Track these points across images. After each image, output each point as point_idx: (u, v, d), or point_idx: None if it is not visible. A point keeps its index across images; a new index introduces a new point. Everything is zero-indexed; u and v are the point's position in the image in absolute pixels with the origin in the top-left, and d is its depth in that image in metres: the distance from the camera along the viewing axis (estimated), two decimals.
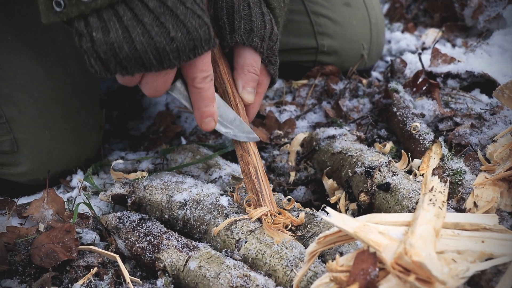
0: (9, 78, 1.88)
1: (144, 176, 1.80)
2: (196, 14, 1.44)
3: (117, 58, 1.39)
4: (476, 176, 1.62)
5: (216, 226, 1.56)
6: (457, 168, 1.66)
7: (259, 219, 1.55)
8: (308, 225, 1.54)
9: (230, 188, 1.77)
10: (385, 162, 1.69)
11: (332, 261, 1.17)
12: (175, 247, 1.51)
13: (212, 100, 1.60)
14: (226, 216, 1.57)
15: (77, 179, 2.02)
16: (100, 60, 1.40)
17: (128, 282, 1.49)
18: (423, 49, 2.94)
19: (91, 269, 1.54)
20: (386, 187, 1.62)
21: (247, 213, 1.57)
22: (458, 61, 2.43)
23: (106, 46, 1.38)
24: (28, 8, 1.91)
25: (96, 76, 1.47)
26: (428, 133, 1.85)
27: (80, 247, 1.61)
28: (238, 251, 1.49)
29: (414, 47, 2.99)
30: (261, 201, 1.60)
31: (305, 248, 1.43)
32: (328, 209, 1.20)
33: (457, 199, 1.58)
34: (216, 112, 1.62)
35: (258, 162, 1.65)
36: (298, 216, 1.58)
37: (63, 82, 1.95)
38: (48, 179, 1.90)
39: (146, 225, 1.61)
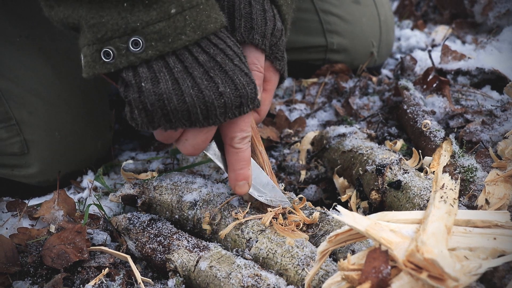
0: (19, 80, 1.88)
1: (154, 177, 1.80)
2: (243, 71, 1.45)
3: (164, 110, 1.39)
4: (488, 173, 1.62)
5: (226, 225, 1.56)
6: (468, 165, 1.66)
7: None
8: (320, 224, 1.54)
9: None
10: (396, 160, 1.69)
11: (344, 259, 1.16)
12: (186, 247, 1.51)
13: (249, 162, 1.57)
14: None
15: (87, 180, 2.02)
16: (145, 112, 1.39)
17: (140, 283, 1.49)
18: (433, 46, 2.93)
19: (103, 270, 1.54)
20: (397, 185, 1.61)
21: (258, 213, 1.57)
22: (468, 57, 2.43)
23: (154, 97, 1.37)
24: (36, 9, 1.91)
25: (137, 129, 1.47)
26: (439, 130, 1.85)
27: (91, 247, 1.61)
28: (249, 251, 1.48)
29: (424, 44, 2.98)
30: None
31: (317, 247, 1.43)
32: (339, 207, 1.20)
33: (468, 196, 1.57)
34: (251, 175, 1.59)
35: (265, 162, 1.64)
36: (310, 215, 1.57)
37: (73, 83, 1.95)
38: (59, 180, 1.90)
39: (156, 226, 1.61)
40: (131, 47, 1.35)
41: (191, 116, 1.40)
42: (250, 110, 1.49)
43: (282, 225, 1.52)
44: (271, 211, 1.56)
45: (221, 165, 1.60)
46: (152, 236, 1.58)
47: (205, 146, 1.53)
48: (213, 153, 1.59)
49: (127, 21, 1.33)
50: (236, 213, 1.56)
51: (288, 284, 1.37)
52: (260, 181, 1.62)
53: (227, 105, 1.42)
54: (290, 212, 1.57)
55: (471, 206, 1.54)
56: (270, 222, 1.53)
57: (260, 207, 1.61)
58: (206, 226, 1.60)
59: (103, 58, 1.37)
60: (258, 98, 1.50)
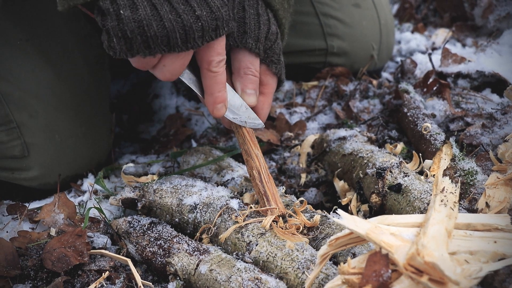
0: (20, 82, 1.88)
1: (154, 180, 1.80)
2: None
3: (144, 37, 1.39)
4: (488, 176, 1.62)
5: (227, 229, 1.56)
6: (468, 169, 1.66)
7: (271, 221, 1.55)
8: (321, 227, 1.54)
9: (243, 189, 1.77)
10: (396, 163, 1.69)
11: (344, 263, 1.16)
12: (186, 250, 1.51)
13: (225, 85, 1.59)
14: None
15: (87, 183, 2.02)
16: (124, 39, 1.39)
17: (140, 286, 1.49)
18: (433, 49, 2.93)
19: (103, 273, 1.54)
20: (397, 188, 1.61)
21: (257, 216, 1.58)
22: (469, 60, 2.43)
23: (134, 23, 1.37)
24: (37, 12, 1.91)
25: (114, 57, 1.46)
26: (439, 134, 1.85)
27: (91, 251, 1.61)
28: (249, 254, 1.49)
29: (424, 47, 2.98)
30: (266, 204, 1.60)
31: (317, 250, 1.43)
32: (339, 211, 1.20)
33: (469, 200, 1.57)
34: (227, 98, 1.61)
35: (261, 165, 1.64)
36: (311, 218, 1.57)
37: (73, 86, 1.95)
38: (59, 183, 1.90)
39: (157, 229, 1.61)
40: None
41: (170, 41, 1.41)
42: (226, 32, 1.50)
43: (282, 229, 1.52)
44: (271, 214, 1.56)
45: (196, 90, 1.61)
46: (152, 240, 1.58)
47: (182, 71, 1.54)
48: (188, 78, 1.60)
49: None
50: (236, 216, 1.56)
51: None
52: (234, 103, 1.65)
53: (204, 28, 1.43)
54: (290, 216, 1.57)
55: (471, 210, 1.54)
56: (270, 225, 1.53)
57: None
58: (206, 241, 1.61)
59: None
60: (232, 21, 1.50)
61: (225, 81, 1.58)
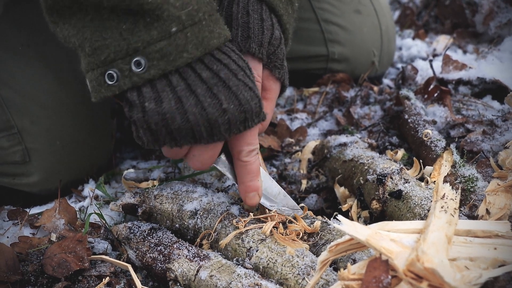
0: (20, 88, 1.88)
1: (155, 185, 1.80)
2: (247, 86, 1.44)
3: (168, 129, 1.39)
4: (489, 183, 1.61)
5: (227, 235, 1.56)
6: (469, 175, 1.66)
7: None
8: (321, 233, 1.54)
9: None
10: (397, 170, 1.69)
11: (344, 269, 1.16)
12: (186, 256, 1.51)
13: (257, 174, 1.57)
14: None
15: (88, 188, 2.02)
16: (149, 131, 1.40)
17: None
18: (434, 55, 2.93)
19: (103, 279, 1.54)
20: (398, 195, 1.62)
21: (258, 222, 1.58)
22: (470, 67, 2.43)
23: (158, 116, 1.37)
24: (38, 17, 1.91)
25: (143, 147, 1.47)
26: (439, 140, 1.85)
27: (92, 256, 1.61)
28: (249, 260, 1.49)
29: (425, 54, 2.98)
30: (266, 210, 1.60)
31: (318, 256, 1.43)
32: (340, 217, 1.20)
33: (469, 206, 1.57)
34: (261, 186, 1.59)
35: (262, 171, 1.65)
36: (311, 223, 1.57)
37: (74, 91, 1.95)
38: (60, 188, 1.90)
39: (157, 235, 1.61)
40: (133, 68, 1.34)
41: (195, 134, 1.40)
42: (255, 124, 1.48)
43: (282, 235, 1.52)
44: (271, 221, 1.56)
45: (231, 177, 1.60)
46: (153, 245, 1.58)
47: (213, 161, 1.53)
48: (222, 166, 1.59)
49: (128, 42, 1.33)
50: (236, 222, 1.56)
51: None
52: (271, 191, 1.63)
53: (231, 121, 1.41)
54: (290, 222, 1.57)
55: (471, 216, 1.54)
56: (271, 231, 1.53)
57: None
58: (206, 247, 1.61)
59: (107, 81, 1.37)
60: (264, 111, 1.50)
61: (258, 170, 1.57)
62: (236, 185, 1.61)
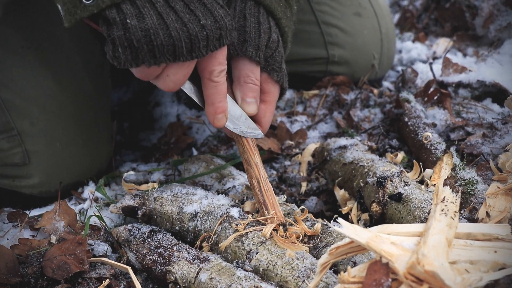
0: (21, 90, 1.88)
1: (155, 188, 1.80)
2: (219, 4, 1.45)
3: (150, 45, 1.38)
4: (489, 185, 1.62)
5: (227, 237, 1.56)
6: (469, 178, 1.66)
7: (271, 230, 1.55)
8: (321, 235, 1.54)
9: (244, 198, 1.77)
10: (397, 172, 1.69)
11: (344, 272, 1.16)
12: (186, 259, 1.51)
13: (225, 95, 1.58)
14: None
15: (88, 190, 2.02)
16: (130, 49, 1.39)
17: None
18: (434, 58, 2.94)
19: (103, 281, 1.54)
20: (398, 197, 1.62)
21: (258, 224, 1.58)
22: (469, 70, 2.43)
23: (141, 32, 1.37)
24: (38, 20, 1.92)
25: (118, 67, 1.46)
26: (439, 143, 1.85)
27: (92, 259, 1.61)
28: (249, 262, 1.48)
29: (425, 57, 2.98)
30: (265, 213, 1.60)
31: (318, 259, 1.43)
32: (340, 219, 1.20)
33: (469, 209, 1.57)
34: (227, 108, 1.61)
35: (260, 174, 1.64)
36: (312, 226, 1.57)
37: (74, 93, 1.96)
38: (60, 191, 1.90)
39: (157, 237, 1.61)
40: None
41: (176, 50, 1.41)
42: (228, 42, 1.50)
43: (282, 237, 1.52)
44: (271, 223, 1.56)
45: (197, 100, 1.61)
46: (153, 248, 1.58)
47: (185, 81, 1.54)
48: (189, 88, 1.59)
49: None
50: (236, 225, 1.56)
51: None
52: (234, 113, 1.65)
53: (209, 37, 1.43)
54: (290, 224, 1.57)
55: (471, 219, 1.54)
56: (271, 234, 1.53)
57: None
58: (206, 249, 1.62)
59: (83, 0, 1.36)
60: (235, 31, 1.51)
61: (225, 92, 1.58)
62: (203, 107, 1.62)
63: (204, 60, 1.52)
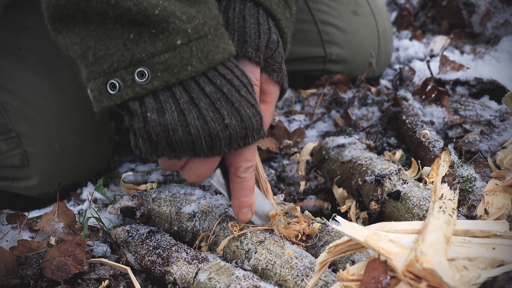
0: (19, 92, 1.88)
1: (153, 188, 1.81)
2: (250, 103, 1.43)
3: (169, 141, 1.38)
4: (487, 183, 1.62)
5: (225, 237, 1.57)
6: (467, 175, 1.66)
7: (268, 230, 1.56)
8: (320, 234, 1.54)
9: None
10: (395, 170, 1.69)
11: (343, 270, 1.16)
12: (185, 259, 1.51)
13: (252, 190, 1.57)
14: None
15: (87, 191, 2.02)
16: (149, 141, 1.39)
17: None
18: (432, 56, 2.94)
19: (103, 282, 1.55)
20: (396, 195, 1.62)
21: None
22: (467, 68, 2.43)
23: (159, 127, 1.36)
24: (37, 21, 1.92)
25: (140, 157, 1.46)
26: (437, 141, 1.85)
27: (91, 259, 1.61)
28: (248, 262, 1.49)
29: (422, 55, 2.99)
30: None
31: (316, 257, 1.43)
32: (339, 218, 1.20)
33: (467, 206, 1.57)
34: (254, 203, 1.58)
35: (259, 174, 1.65)
36: (309, 226, 1.57)
37: (72, 95, 1.96)
38: (59, 192, 1.90)
39: (155, 238, 1.61)
40: (136, 78, 1.34)
41: (196, 147, 1.39)
42: (255, 141, 1.48)
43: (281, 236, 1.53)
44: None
45: (224, 192, 1.60)
46: (151, 248, 1.58)
47: (209, 175, 1.53)
48: (217, 180, 1.58)
49: (132, 52, 1.33)
50: (231, 225, 1.57)
51: None
52: (263, 208, 1.62)
53: (232, 137, 1.41)
54: (288, 223, 1.57)
55: (470, 216, 1.54)
56: (270, 231, 1.53)
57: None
58: (204, 249, 1.62)
59: (109, 90, 1.36)
60: (263, 129, 1.50)
61: (253, 187, 1.57)
62: (229, 200, 1.61)
63: (231, 155, 1.51)
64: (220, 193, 1.72)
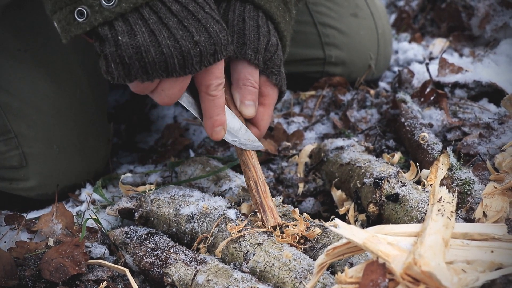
0: (18, 93, 1.88)
1: (152, 189, 1.80)
2: (215, 19, 1.46)
3: (142, 62, 1.40)
4: (485, 185, 1.62)
5: (224, 239, 1.56)
6: (465, 178, 1.66)
7: (267, 232, 1.56)
8: (318, 236, 1.54)
9: (240, 199, 1.77)
10: (394, 173, 1.69)
11: (341, 272, 1.16)
12: (183, 261, 1.51)
13: (223, 108, 1.59)
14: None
15: (85, 193, 2.02)
16: (122, 65, 1.40)
17: None
18: (431, 59, 2.93)
19: (101, 283, 1.54)
20: (395, 198, 1.62)
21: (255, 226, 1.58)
22: (466, 70, 2.43)
23: (132, 49, 1.38)
24: (35, 22, 1.92)
25: (112, 82, 1.47)
26: (436, 143, 1.85)
27: (89, 261, 1.61)
28: (246, 264, 1.49)
29: (421, 57, 2.98)
30: (262, 214, 1.60)
31: (315, 260, 1.43)
32: (337, 220, 1.20)
33: (466, 209, 1.57)
34: (226, 121, 1.61)
35: (258, 176, 1.65)
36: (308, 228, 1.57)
37: (71, 96, 1.96)
38: (57, 193, 1.90)
39: (154, 240, 1.61)
40: (104, 2, 1.35)
41: (168, 67, 1.42)
42: (224, 57, 1.51)
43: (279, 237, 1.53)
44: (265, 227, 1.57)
45: (195, 113, 1.62)
46: (149, 250, 1.58)
47: (180, 95, 1.55)
48: (187, 101, 1.60)
49: None
50: (230, 227, 1.57)
51: None
52: (234, 125, 1.65)
53: (203, 53, 1.44)
54: (286, 226, 1.57)
55: (468, 219, 1.54)
56: (270, 233, 1.53)
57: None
58: (203, 250, 1.62)
59: (77, 18, 1.37)
60: (231, 45, 1.51)
61: (223, 104, 1.59)
62: (201, 120, 1.63)
63: (200, 74, 1.53)
64: (218, 194, 1.72)
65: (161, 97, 1.53)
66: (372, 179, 1.71)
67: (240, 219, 1.60)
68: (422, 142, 1.88)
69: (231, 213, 1.62)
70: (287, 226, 1.57)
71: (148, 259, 1.56)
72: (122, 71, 1.42)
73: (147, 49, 1.38)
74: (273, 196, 1.67)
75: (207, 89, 1.55)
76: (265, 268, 1.45)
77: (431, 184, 1.68)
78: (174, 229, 1.69)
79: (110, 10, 1.36)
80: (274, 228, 1.56)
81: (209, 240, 1.60)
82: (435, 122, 2.10)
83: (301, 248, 1.52)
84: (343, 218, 1.78)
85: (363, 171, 1.77)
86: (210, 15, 1.46)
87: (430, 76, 2.38)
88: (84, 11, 1.36)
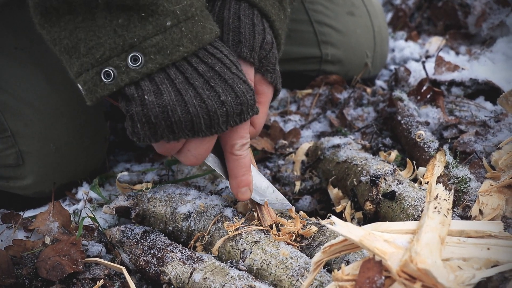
0: (14, 91, 1.88)
1: (149, 188, 1.80)
2: (241, 79, 1.46)
3: (168, 121, 1.39)
4: (481, 183, 1.62)
5: (221, 237, 1.56)
6: (462, 176, 1.66)
7: (264, 230, 1.56)
8: (314, 234, 1.54)
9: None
10: (390, 171, 1.69)
11: (338, 270, 1.17)
12: (180, 259, 1.51)
13: (249, 168, 1.58)
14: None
15: (82, 191, 2.02)
16: (148, 124, 1.40)
17: None
18: (427, 57, 2.94)
19: (98, 282, 1.54)
20: (391, 196, 1.62)
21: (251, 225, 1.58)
22: (462, 68, 2.44)
23: (158, 109, 1.38)
24: (32, 20, 1.91)
25: (138, 143, 1.47)
26: (432, 141, 1.85)
27: (86, 259, 1.61)
28: (243, 262, 1.49)
29: (418, 55, 2.99)
30: (258, 213, 1.60)
31: (312, 257, 1.43)
32: (334, 218, 1.20)
33: (462, 207, 1.58)
34: (252, 181, 1.60)
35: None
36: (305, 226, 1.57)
37: (68, 94, 1.95)
38: (54, 191, 1.90)
39: (150, 238, 1.61)
40: (130, 64, 1.35)
41: (195, 126, 1.41)
42: (250, 117, 1.50)
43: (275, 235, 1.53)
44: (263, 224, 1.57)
45: (221, 173, 1.61)
46: (146, 249, 1.58)
47: (207, 155, 1.54)
48: (212, 161, 1.59)
49: (124, 38, 1.34)
50: (227, 225, 1.57)
51: None
52: (260, 185, 1.64)
53: (229, 114, 1.43)
54: (282, 225, 1.57)
55: (465, 217, 1.55)
56: (266, 231, 1.53)
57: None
58: (199, 249, 1.62)
59: (103, 79, 1.37)
60: (257, 105, 1.51)
61: (249, 164, 1.58)
62: (227, 181, 1.61)
63: (226, 134, 1.52)
64: (215, 193, 1.72)
65: (187, 158, 1.53)
66: (369, 177, 1.71)
67: (237, 218, 1.60)
68: (418, 140, 1.88)
69: (228, 212, 1.62)
70: (284, 224, 1.57)
71: (144, 258, 1.56)
72: (148, 131, 1.41)
73: (173, 108, 1.38)
74: None
75: (232, 148, 1.54)
76: (261, 266, 1.45)
77: (428, 182, 1.69)
78: (170, 228, 1.69)
79: (137, 70, 1.36)
80: (271, 226, 1.56)
81: (205, 239, 1.60)
82: (431, 120, 2.10)
83: (297, 246, 1.52)
84: (340, 216, 1.78)
85: (359, 169, 1.77)
86: (237, 75, 1.46)
87: (427, 74, 2.39)
88: (111, 72, 1.36)
